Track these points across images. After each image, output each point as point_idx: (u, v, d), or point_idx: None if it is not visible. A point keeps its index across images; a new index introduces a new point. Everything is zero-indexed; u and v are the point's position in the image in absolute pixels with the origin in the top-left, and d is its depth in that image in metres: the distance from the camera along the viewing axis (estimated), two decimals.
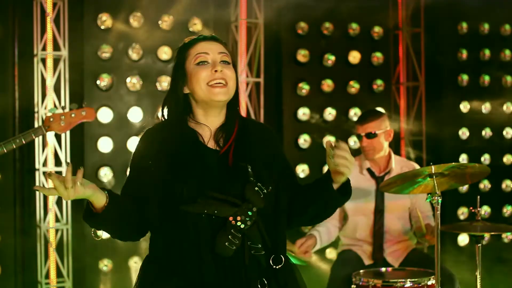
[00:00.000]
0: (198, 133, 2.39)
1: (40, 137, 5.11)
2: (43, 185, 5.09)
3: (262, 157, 2.39)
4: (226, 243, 2.23)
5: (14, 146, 3.51)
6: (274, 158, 2.45)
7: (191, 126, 2.41)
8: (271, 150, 2.47)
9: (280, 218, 2.40)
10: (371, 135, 4.19)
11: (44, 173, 5.09)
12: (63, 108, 5.04)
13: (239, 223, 2.25)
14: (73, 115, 3.64)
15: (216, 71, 2.35)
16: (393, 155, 4.33)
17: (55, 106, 4.99)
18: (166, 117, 2.45)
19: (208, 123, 2.42)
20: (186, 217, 2.27)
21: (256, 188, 2.29)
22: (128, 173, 2.44)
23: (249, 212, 2.26)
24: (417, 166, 4.40)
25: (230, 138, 2.39)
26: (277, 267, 2.34)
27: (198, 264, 2.27)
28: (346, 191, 2.44)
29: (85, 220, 2.29)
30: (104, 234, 2.34)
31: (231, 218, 2.25)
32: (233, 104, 2.45)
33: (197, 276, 2.27)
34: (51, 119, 3.58)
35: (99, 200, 2.23)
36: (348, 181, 2.43)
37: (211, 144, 2.39)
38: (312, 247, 4.14)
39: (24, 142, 3.51)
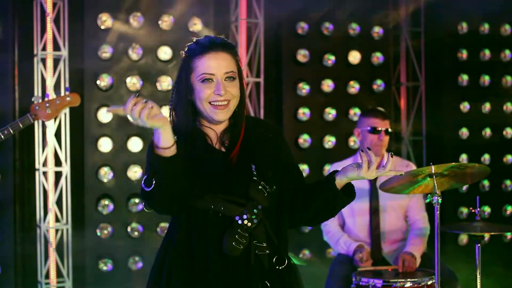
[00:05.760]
0: (207, 135, 2.41)
1: (40, 137, 5.12)
2: (43, 185, 5.09)
3: (266, 158, 2.41)
4: (233, 243, 2.26)
5: (3, 137, 3.55)
6: (278, 157, 2.46)
7: (199, 128, 2.42)
8: (276, 149, 2.47)
9: (283, 218, 2.42)
10: (389, 132, 4.22)
11: (44, 173, 5.09)
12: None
13: (245, 221, 2.28)
14: (58, 102, 3.66)
15: (219, 94, 2.32)
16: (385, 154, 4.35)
17: None
18: (174, 120, 2.43)
19: (213, 126, 2.43)
20: (196, 212, 2.30)
21: (260, 187, 2.32)
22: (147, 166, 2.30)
23: (254, 210, 2.29)
24: (413, 165, 4.40)
25: (236, 141, 2.39)
26: (281, 267, 2.36)
27: (204, 261, 2.30)
28: (349, 192, 2.44)
29: (155, 158, 2.14)
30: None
31: (237, 218, 2.28)
32: (238, 108, 2.43)
33: (204, 272, 2.29)
34: (37, 107, 3.60)
35: (170, 133, 2.14)
36: (350, 184, 2.43)
37: (218, 146, 2.41)
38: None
39: (12, 132, 3.56)
